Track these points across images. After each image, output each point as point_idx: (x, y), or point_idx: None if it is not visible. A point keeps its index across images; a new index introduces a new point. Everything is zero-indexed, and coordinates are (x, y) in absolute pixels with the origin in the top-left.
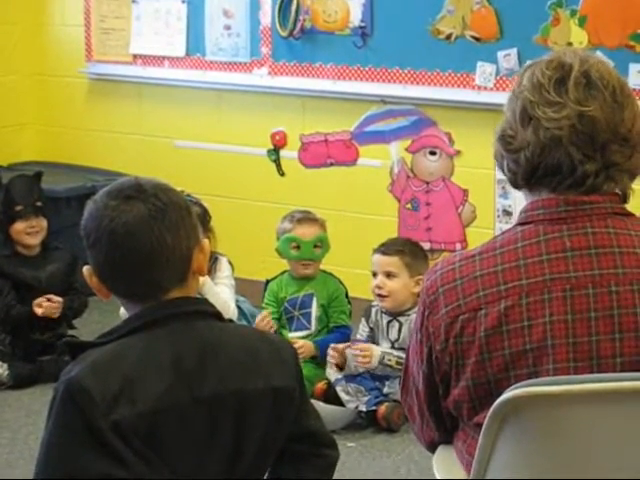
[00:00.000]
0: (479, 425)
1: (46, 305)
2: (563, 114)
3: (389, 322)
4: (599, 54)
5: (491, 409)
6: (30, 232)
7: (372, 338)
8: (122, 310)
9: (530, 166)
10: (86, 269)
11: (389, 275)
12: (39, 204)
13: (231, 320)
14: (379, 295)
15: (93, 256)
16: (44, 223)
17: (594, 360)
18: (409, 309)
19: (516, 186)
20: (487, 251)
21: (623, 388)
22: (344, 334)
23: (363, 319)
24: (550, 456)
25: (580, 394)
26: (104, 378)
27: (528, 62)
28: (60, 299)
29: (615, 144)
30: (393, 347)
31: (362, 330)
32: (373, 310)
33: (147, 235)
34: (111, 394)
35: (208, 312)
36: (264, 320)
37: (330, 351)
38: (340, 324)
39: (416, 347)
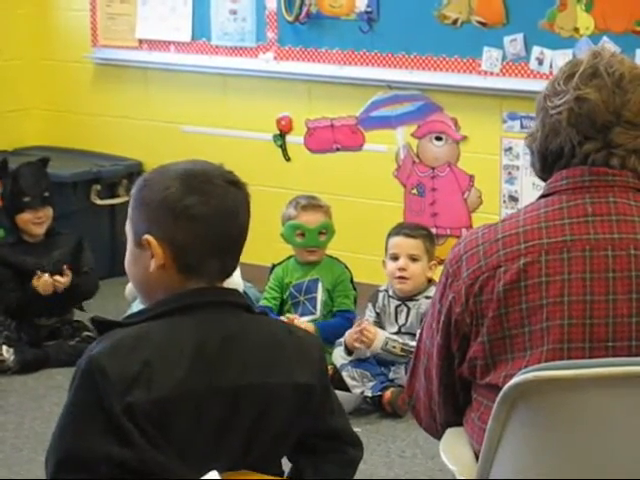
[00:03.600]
0: (491, 387)
1: (43, 281)
2: (563, 100)
3: (397, 307)
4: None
5: (500, 393)
6: (37, 222)
7: (379, 323)
8: (127, 289)
9: (541, 156)
10: (150, 237)
11: (412, 258)
12: (46, 194)
13: (266, 313)
14: (401, 277)
15: (179, 228)
16: (50, 212)
17: (610, 318)
18: (418, 294)
19: (538, 176)
20: (510, 218)
21: (634, 372)
22: (347, 319)
23: (370, 304)
24: (560, 441)
25: (590, 378)
26: (124, 359)
27: None
28: (62, 279)
29: (618, 127)
30: (400, 332)
31: (368, 315)
32: (380, 295)
33: (240, 219)
34: (128, 376)
35: (238, 303)
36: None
37: (349, 333)
38: (343, 309)
39: (432, 321)
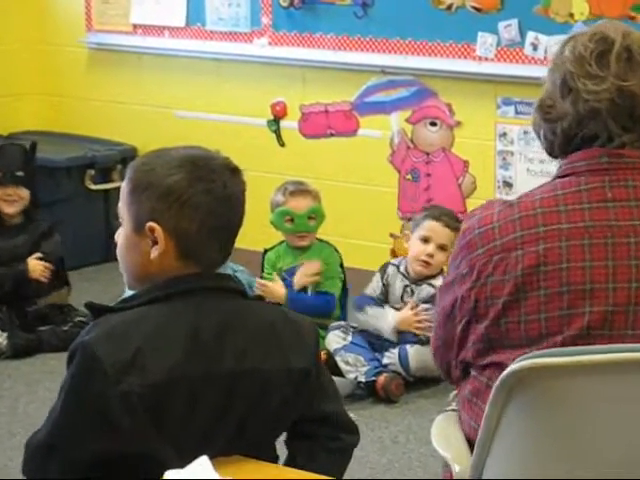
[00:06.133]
0: (497, 365)
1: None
2: (603, 87)
3: (405, 286)
4: None
5: (498, 381)
6: (7, 200)
7: (385, 295)
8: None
9: (567, 137)
10: (155, 225)
11: (442, 247)
12: (19, 174)
13: (260, 297)
14: (425, 262)
15: (184, 216)
16: (24, 193)
17: (631, 306)
18: (426, 278)
19: (552, 155)
20: (525, 197)
21: (632, 359)
22: (325, 300)
23: (378, 274)
24: (557, 427)
25: (588, 365)
26: (117, 345)
27: (570, 33)
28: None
29: None
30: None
31: (375, 286)
32: (390, 268)
33: (240, 207)
34: (122, 362)
35: (232, 289)
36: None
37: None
38: (323, 290)
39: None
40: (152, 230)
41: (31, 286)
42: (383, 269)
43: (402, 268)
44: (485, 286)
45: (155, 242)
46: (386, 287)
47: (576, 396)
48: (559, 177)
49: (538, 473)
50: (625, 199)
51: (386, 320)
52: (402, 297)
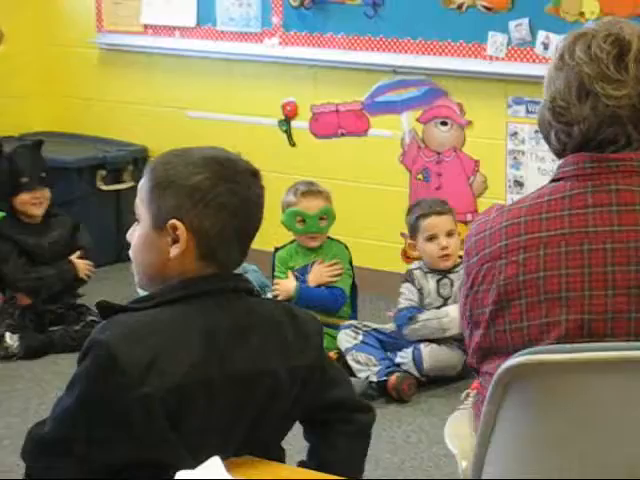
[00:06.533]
0: (492, 375)
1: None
2: (624, 92)
3: (439, 280)
4: None
5: (494, 377)
6: (35, 203)
7: (421, 301)
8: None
9: (584, 139)
10: (178, 223)
11: (449, 234)
12: (43, 175)
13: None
14: (445, 255)
15: (208, 216)
16: (47, 193)
17: (609, 314)
18: (456, 266)
19: (561, 156)
20: (518, 202)
21: (627, 357)
22: (333, 293)
23: (407, 284)
24: (553, 424)
25: (583, 362)
26: (136, 346)
27: (576, 30)
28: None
29: None
30: (446, 304)
31: (409, 296)
32: (417, 273)
33: (260, 209)
34: (142, 364)
35: (244, 289)
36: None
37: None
38: (333, 285)
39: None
40: (174, 228)
41: (76, 285)
42: (410, 277)
43: (425, 267)
44: (477, 294)
45: (176, 240)
46: (419, 291)
47: (572, 393)
48: (554, 180)
49: (535, 468)
50: (606, 204)
51: (448, 316)
52: (438, 291)
